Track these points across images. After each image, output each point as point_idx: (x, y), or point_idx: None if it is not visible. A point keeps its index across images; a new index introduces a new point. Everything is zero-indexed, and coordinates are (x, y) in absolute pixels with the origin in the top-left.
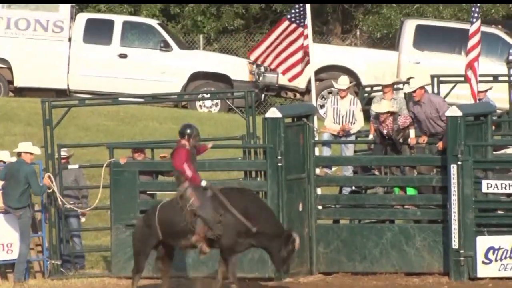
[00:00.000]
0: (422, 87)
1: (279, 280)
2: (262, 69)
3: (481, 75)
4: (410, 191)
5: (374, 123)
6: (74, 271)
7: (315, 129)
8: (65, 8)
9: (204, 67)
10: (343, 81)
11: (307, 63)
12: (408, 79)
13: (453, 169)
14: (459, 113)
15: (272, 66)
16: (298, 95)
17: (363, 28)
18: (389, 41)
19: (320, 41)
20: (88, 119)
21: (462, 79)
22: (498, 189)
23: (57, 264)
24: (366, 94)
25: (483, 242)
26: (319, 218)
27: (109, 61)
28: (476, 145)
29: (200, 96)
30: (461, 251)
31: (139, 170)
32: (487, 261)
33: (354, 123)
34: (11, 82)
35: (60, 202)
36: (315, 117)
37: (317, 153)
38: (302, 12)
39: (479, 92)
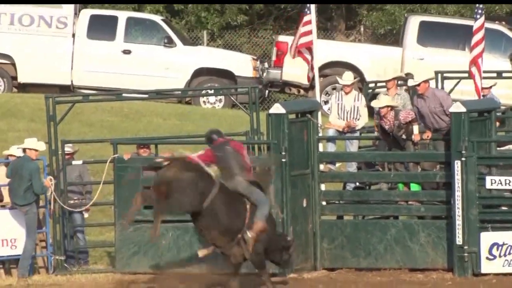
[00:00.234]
0: (426, 81)
1: (283, 276)
2: (266, 65)
3: (485, 71)
4: (414, 187)
5: (376, 119)
6: (78, 267)
7: (319, 125)
8: (69, 4)
9: (208, 63)
10: (348, 77)
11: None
12: (407, 74)
13: (457, 165)
14: (463, 109)
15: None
16: (302, 91)
17: (367, 24)
18: (393, 37)
19: (324, 37)
20: (92, 115)
21: (466, 75)
22: (502, 185)
23: (61, 260)
24: (370, 90)
25: (487, 238)
26: (323, 214)
27: (113, 57)
28: (480, 141)
29: (204, 92)
30: (465, 247)
31: (143, 166)
32: (491, 257)
33: (358, 119)
34: (14, 78)
35: (55, 205)
36: (319, 113)
37: (321, 149)
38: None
39: (483, 88)
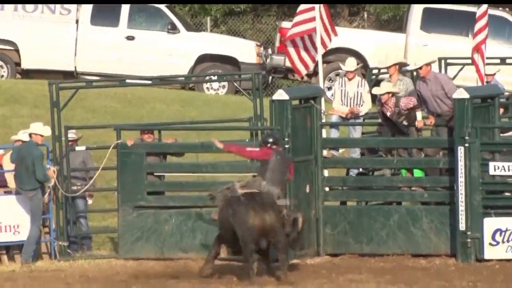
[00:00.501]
0: (428, 64)
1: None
2: (270, 51)
3: (488, 58)
4: (417, 173)
5: (378, 105)
6: (81, 253)
7: (322, 111)
8: None
9: (211, 49)
10: (351, 63)
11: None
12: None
13: (460, 151)
14: (466, 96)
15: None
16: (305, 77)
17: (370, 10)
18: (397, 24)
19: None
20: (95, 101)
21: (469, 61)
22: (505, 171)
23: (64, 246)
24: (374, 76)
25: (490, 224)
26: (326, 200)
27: (116, 43)
28: (483, 127)
29: (207, 78)
30: (468, 233)
31: (146, 151)
32: (494, 243)
33: (361, 105)
34: (18, 64)
35: (57, 192)
36: (322, 99)
37: (324, 135)
38: None
39: (487, 75)
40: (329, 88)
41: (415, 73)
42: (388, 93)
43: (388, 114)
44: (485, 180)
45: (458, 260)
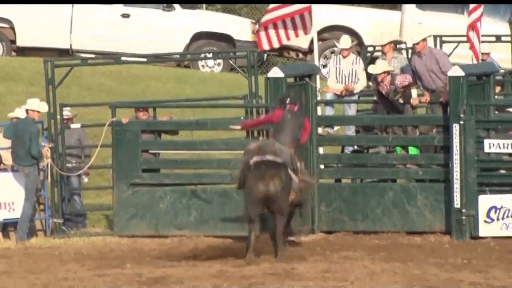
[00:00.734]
0: (424, 39)
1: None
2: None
3: (483, 35)
4: (412, 151)
5: (373, 84)
6: (75, 230)
7: (317, 89)
8: None
9: (206, 26)
10: (345, 41)
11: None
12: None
13: (455, 128)
14: (462, 73)
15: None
16: (300, 55)
17: None
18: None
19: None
20: (90, 79)
21: (464, 39)
22: (500, 148)
23: (59, 223)
24: (369, 54)
25: (485, 201)
26: (321, 177)
27: (112, 21)
28: (478, 105)
29: (202, 55)
30: (463, 210)
31: (141, 129)
32: (489, 220)
33: (356, 83)
34: (13, 41)
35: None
36: (318, 77)
37: (319, 112)
38: None
39: (482, 53)
40: (324, 66)
41: (410, 51)
42: (384, 72)
43: (384, 92)
44: (480, 158)
45: (452, 238)
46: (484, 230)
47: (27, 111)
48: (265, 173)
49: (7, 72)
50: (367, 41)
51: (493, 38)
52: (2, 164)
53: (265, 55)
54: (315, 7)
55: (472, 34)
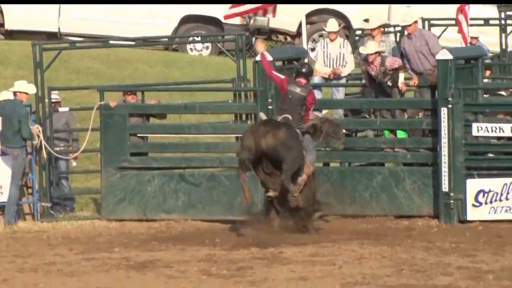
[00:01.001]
0: (416, 21)
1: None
2: None
3: (472, 19)
4: (401, 134)
5: (363, 65)
6: (63, 214)
7: None
8: None
9: (195, 10)
10: (332, 24)
11: None
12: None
13: (444, 112)
14: (450, 56)
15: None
16: (288, 38)
17: None
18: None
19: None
20: (78, 62)
21: (453, 22)
22: (488, 132)
23: (47, 207)
24: (357, 38)
25: (473, 185)
26: None
27: (100, 4)
28: (467, 89)
29: (190, 39)
30: (451, 194)
31: (129, 112)
32: (477, 204)
33: (344, 66)
34: (1, 25)
35: (44, 152)
36: (306, 60)
37: None
38: None
39: (471, 37)
40: (313, 49)
41: (398, 34)
42: (376, 52)
43: (373, 73)
44: (468, 141)
45: (441, 221)
46: (472, 214)
47: (14, 93)
48: (260, 127)
49: None
50: (355, 24)
51: (482, 22)
52: None
53: (253, 38)
54: None
55: (460, 17)
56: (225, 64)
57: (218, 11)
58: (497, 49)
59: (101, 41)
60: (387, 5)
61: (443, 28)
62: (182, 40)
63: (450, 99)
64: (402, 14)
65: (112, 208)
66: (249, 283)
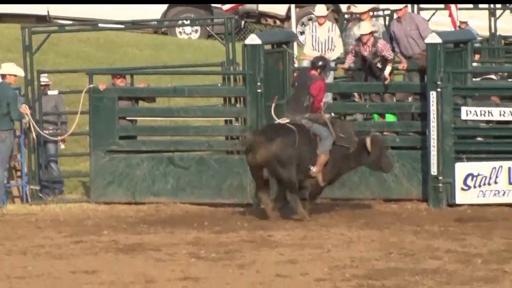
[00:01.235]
0: (406, 6)
1: (258, 206)
2: None
3: (461, 2)
4: (390, 118)
5: (356, 45)
6: (52, 197)
7: (294, 56)
8: None
9: None
10: (321, 8)
11: None
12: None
13: (433, 96)
14: (439, 40)
15: None
16: (278, 22)
17: None
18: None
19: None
20: (68, 46)
21: (442, 6)
22: (477, 116)
23: (36, 190)
24: (346, 22)
25: (462, 168)
26: None
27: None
28: (456, 72)
29: (180, 22)
30: (440, 178)
31: (118, 96)
32: (466, 188)
33: (333, 50)
34: None
35: (34, 132)
36: (295, 44)
37: None
38: None
39: (460, 22)
40: (302, 33)
41: (387, 18)
42: (371, 32)
43: (366, 54)
44: (457, 125)
45: (429, 205)
46: (461, 197)
47: (3, 76)
48: (253, 140)
49: None
50: (344, 8)
51: (471, 6)
52: None
53: (243, 22)
54: None
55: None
56: (214, 48)
57: None
58: (486, 33)
59: (90, 25)
60: None
61: (432, 12)
62: (171, 24)
63: (439, 83)
64: None
65: (101, 191)
66: (237, 266)
